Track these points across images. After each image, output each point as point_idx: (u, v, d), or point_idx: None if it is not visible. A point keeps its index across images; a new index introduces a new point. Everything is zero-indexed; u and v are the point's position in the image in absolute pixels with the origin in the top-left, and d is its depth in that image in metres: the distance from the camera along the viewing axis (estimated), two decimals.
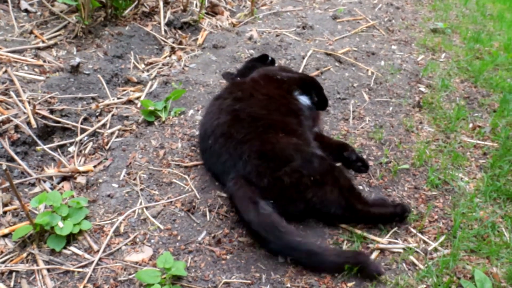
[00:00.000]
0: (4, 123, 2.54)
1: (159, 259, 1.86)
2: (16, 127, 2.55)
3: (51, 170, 2.47)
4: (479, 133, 2.91)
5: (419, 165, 2.57)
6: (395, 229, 2.17)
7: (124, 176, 2.39)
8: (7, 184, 2.27)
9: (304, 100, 2.63)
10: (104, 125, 2.81)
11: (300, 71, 3.39)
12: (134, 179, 2.37)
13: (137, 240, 2.05)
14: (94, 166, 2.50)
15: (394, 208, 2.19)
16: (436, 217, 2.25)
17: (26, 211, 1.93)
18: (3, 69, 2.89)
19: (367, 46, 3.93)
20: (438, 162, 2.62)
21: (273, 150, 2.15)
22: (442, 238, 2.13)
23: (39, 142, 2.55)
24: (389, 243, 2.09)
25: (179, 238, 2.06)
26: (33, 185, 2.39)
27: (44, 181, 2.39)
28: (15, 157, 2.43)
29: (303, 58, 3.57)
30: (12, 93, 2.72)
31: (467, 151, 2.75)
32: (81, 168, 2.45)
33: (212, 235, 2.08)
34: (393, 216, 2.18)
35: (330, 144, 2.55)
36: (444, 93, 3.34)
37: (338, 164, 2.52)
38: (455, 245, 2.07)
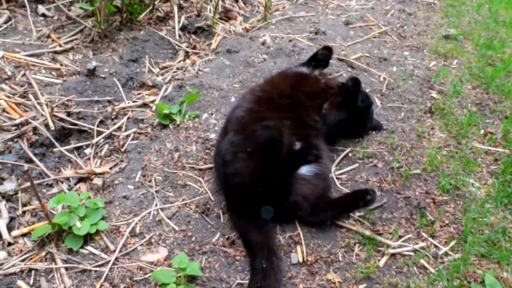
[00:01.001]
0: (23, 125, 2.60)
1: (175, 259, 1.90)
2: (35, 129, 2.61)
3: (68, 172, 2.52)
4: (491, 139, 2.92)
5: (431, 170, 2.58)
6: (409, 235, 2.19)
7: (139, 178, 2.44)
8: (26, 184, 2.32)
9: None
10: (119, 128, 2.86)
11: None
12: (150, 181, 2.41)
13: (153, 240, 2.09)
14: (110, 168, 2.55)
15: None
16: (447, 221, 2.27)
17: (46, 211, 1.98)
18: (22, 72, 2.96)
19: (379, 52, 3.95)
20: (450, 167, 2.63)
21: None
22: (453, 243, 2.14)
23: (56, 144, 2.61)
24: (400, 246, 2.12)
25: (193, 239, 2.10)
26: (51, 186, 2.44)
27: (62, 182, 2.45)
28: (34, 158, 2.48)
29: None
30: (30, 96, 2.79)
31: (478, 157, 2.76)
32: (98, 170, 2.50)
33: (226, 236, 2.12)
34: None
35: None
36: (455, 99, 3.35)
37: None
38: (465, 249, 2.09)
